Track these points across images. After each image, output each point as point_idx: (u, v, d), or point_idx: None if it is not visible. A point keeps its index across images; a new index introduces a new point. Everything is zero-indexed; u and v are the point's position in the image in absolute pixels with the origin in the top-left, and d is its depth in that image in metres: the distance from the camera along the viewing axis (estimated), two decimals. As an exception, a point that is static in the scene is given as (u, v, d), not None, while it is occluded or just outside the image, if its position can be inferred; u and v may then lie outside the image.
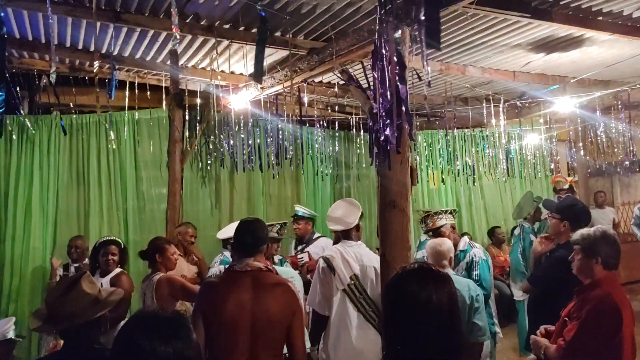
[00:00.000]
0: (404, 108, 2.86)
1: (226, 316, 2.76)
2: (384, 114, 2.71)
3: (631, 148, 7.26)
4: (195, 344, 1.61)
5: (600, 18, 3.87)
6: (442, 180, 6.82)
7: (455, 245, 5.16)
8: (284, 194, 7.39)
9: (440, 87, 5.62)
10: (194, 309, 2.86)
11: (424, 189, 8.24)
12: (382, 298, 1.89)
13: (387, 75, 2.59)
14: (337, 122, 6.37)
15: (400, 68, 2.83)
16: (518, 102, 5.73)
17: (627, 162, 6.04)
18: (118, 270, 4.03)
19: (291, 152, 5.91)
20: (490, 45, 4.45)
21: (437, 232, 5.09)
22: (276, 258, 4.66)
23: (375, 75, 2.58)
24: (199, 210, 6.73)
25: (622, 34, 3.96)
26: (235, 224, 4.15)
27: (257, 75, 3.86)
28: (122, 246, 4.26)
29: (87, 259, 4.57)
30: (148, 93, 5.58)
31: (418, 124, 6.39)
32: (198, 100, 5.47)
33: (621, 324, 2.98)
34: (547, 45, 4.46)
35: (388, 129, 2.75)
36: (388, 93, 2.68)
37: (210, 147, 6.20)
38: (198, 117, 5.75)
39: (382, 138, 2.91)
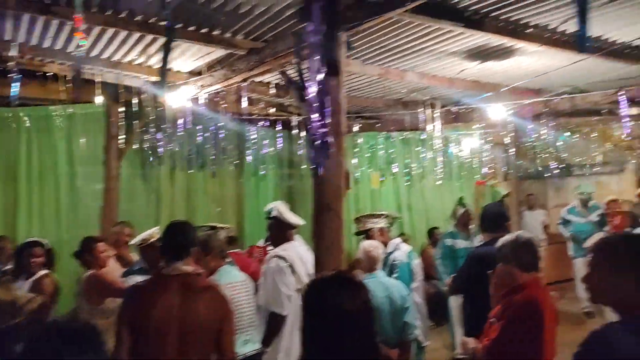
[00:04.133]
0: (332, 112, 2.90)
1: (153, 322, 2.69)
2: (317, 118, 2.71)
3: (560, 154, 7.64)
4: (106, 356, 1.56)
5: (529, 30, 4.03)
6: (381, 182, 6.93)
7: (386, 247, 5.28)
8: (226, 193, 7.31)
9: (380, 91, 5.70)
10: (118, 315, 2.77)
11: (366, 191, 8.36)
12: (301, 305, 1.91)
13: (318, 79, 2.58)
14: (279, 122, 6.36)
15: (331, 72, 2.84)
16: (454, 108, 5.90)
17: (555, 167, 6.32)
18: (42, 272, 3.86)
19: (230, 152, 5.86)
20: (428, 52, 4.55)
21: (366, 235, 5.21)
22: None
23: (308, 79, 2.56)
24: (137, 209, 6.57)
25: (549, 45, 4.14)
26: (152, 230, 4.08)
27: (161, 80, 3.83)
28: (48, 247, 4.09)
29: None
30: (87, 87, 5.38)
31: (360, 126, 6.46)
32: (135, 97, 5.32)
33: (542, 326, 3.12)
34: (480, 54, 4.60)
35: (320, 132, 2.75)
36: (320, 97, 2.67)
37: (149, 144, 6.06)
38: (136, 114, 5.60)
39: (316, 142, 2.93)
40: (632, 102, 5.31)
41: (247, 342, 3.65)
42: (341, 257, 3.38)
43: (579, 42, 2.17)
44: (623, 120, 5.34)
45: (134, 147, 5.98)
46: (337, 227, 3.33)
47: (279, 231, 4.34)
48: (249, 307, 3.78)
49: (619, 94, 5.23)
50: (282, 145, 6.03)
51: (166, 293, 2.75)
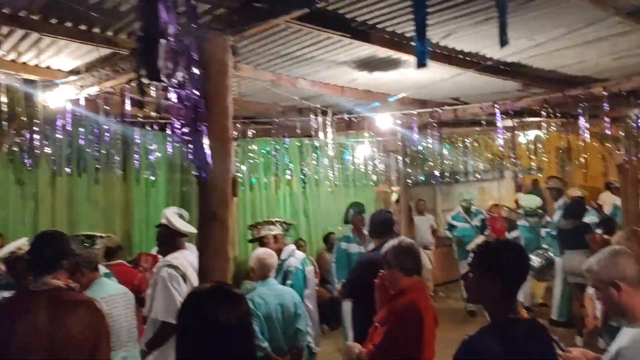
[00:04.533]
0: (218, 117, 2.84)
1: (14, 345, 2.48)
2: (192, 122, 2.62)
3: (446, 162, 8.08)
4: None
5: (412, 43, 4.19)
6: (277, 188, 6.93)
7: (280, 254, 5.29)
8: (112, 200, 6.95)
9: (274, 97, 5.69)
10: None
11: (262, 197, 8.33)
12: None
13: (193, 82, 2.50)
14: (169, 125, 6.13)
15: (211, 76, 2.77)
16: (346, 116, 6.03)
17: (442, 174, 6.67)
18: None
19: (116, 156, 5.56)
20: (319, 60, 4.60)
21: (261, 242, 5.20)
22: (102, 270, 4.33)
23: (182, 82, 2.47)
24: (11, 217, 6.06)
25: (431, 59, 4.32)
26: (20, 241, 3.78)
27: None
28: None
29: None
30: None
31: (254, 132, 6.41)
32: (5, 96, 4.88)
33: (423, 329, 3.25)
34: (370, 64, 4.74)
35: (197, 137, 2.67)
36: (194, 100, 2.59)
37: (25, 147, 5.58)
38: (7, 114, 5.14)
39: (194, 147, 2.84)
40: (506, 114, 5.72)
41: (125, 358, 3.48)
42: (227, 266, 3.29)
43: (418, 57, 2.29)
44: (498, 131, 5.75)
45: (5, 149, 5.48)
46: (223, 235, 3.25)
47: (169, 239, 4.19)
48: (128, 321, 3.60)
49: (495, 106, 5.63)
50: (172, 150, 5.80)
51: (32, 311, 2.55)
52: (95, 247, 4.94)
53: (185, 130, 2.53)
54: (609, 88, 5.16)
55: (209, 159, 2.78)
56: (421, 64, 2.21)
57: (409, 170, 7.30)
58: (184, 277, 4.03)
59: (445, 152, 7.48)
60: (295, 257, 5.25)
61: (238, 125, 5.55)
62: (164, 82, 2.12)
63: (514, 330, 2.32)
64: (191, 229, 4.10)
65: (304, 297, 5.03)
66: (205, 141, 2.68)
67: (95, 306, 2.72)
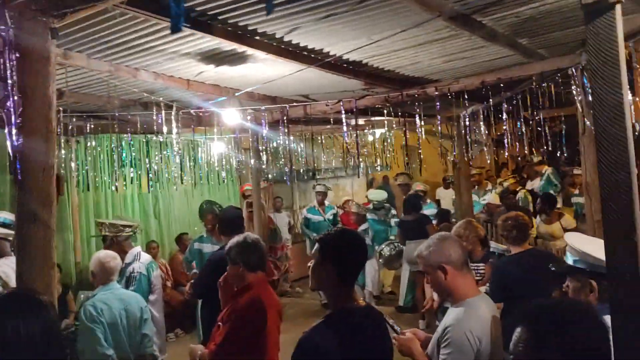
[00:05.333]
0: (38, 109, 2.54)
1: None
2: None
3: (301, 159, 8.21)
4: None
5: (257, 37, 4.16)
6: (117, 188, 6.50)
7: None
8: None
9: (115, 89, 5.31)
10: None
11: (107, 198, 7.80)
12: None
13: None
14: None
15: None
16: (192, 111, 5.83)
17: (290, 171, 6.75)
18: None
19: None
20: (160, 50, 4.37)
21: (105, 242, 4.92)
22: None
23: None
24: None
25: (276, 54, 4.34)
26: None
27: None
28: None
29: None
30: None
31: (92, 126, 5.93)
32: None
33: (265, 323, 3.23)
34: (215, 58, 4.60)
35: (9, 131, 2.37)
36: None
37: None
38: None
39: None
40: (352, 112, 5.95)
41: None
42: (52, 272, 2.98)
43: (172, 22, 2.26)
44: (344, 129, 5.96)
45: None
46: (45, 238, 2.93)
47: None
48: None
49: (340, 104, 5.82)
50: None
51: None
52: None
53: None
54: (440, 89, 5.59)
55: (22, 151, 2.47)
56: (175, 29, 2.14)
57: (262, 167, 7.27)
58: (6, 287, 3.68)
59: (298, 149, 7.58)
60: (140, 262, 4.98)
61: (74, 119, 5.08)
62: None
63: (349, 320, 2.39)
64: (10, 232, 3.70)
65: (149, 302, 4.79)
66: (18, 131, 2.38)
67: None
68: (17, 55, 2.84)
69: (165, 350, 5.29)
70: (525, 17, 4.08)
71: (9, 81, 2.43)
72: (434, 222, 7.92)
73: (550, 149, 5.93)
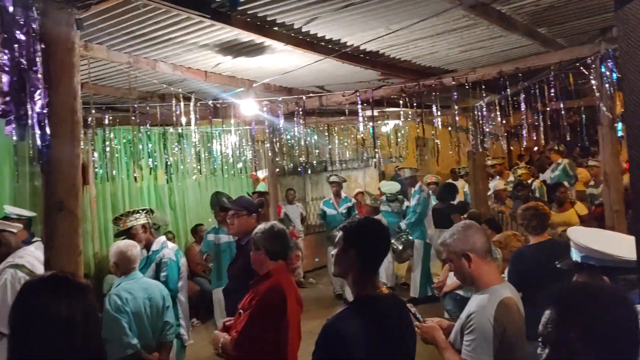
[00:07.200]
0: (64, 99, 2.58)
1: None
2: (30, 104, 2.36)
3: (314, 150, 8.22)
4: None
5: (275, 28, 4.17)
6: (136, 179, 6.56)
7: (150, 245, 5.07)
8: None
9: (134, 81, 5.34)
10: None
11: (124, 189, 7.88)
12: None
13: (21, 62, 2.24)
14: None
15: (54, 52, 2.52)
16: (210, 102, 5.86)
17: (310, 162, 6.78)
18: None
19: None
20: (179, 42, 4.40)
21: (128, 234, 4.96)
22: None
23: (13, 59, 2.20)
24: None
25: (294, 45, 4.35)
26: None
27: None
28: None
29: None
30: None
31: (112, 118, 5.98)
32: None
33: (286, 311, 3.25)
34: (233, 49, 4.63)
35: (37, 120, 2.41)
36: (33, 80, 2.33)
37: None
38: None
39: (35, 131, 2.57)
40: (367, 103, 5.95)
41: None
42: (79, 260, 3.03)
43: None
44: (359, 120, 5.96)
45: None
46: (72, 226, 2.98)
47: None
48: None
49: (356, 94, 5.82)
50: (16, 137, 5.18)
51: None
52: None
53: (6, 103, 2.26)
54: (457, 79, 5.58)
55: (48, 142, 2.51)
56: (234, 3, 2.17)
57: (277, 158, 7.30)
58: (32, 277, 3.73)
59: (312, 140, 7.60)
60: (168, 248, 5.05)
61: (94, 111, 5.12)
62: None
63: (373, 307, 2.41)
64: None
65: (178, 288, 4.91)
66: (44, 121, 2.42)
67: None
68: (43, 46, 2.87)
69: (190, 334, 5.37)
70: (545, 5, 4.06)
71: (39, 73, 2.45)
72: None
73: (568, 139, 5.88)
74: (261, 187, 8.12)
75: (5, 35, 2.06)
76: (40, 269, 3.57)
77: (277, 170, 7.81)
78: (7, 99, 2.26)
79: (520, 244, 4.62)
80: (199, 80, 5.35)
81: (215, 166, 7.97)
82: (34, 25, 2.33)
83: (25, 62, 2.26)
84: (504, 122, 6.63)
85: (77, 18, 2.87)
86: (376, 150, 6.99)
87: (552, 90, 5.20)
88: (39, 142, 2.51)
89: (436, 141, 6.14)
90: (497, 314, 2.47)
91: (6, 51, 2.15)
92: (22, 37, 2.18)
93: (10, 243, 3.85)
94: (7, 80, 2.21)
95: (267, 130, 6.66)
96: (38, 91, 2.43)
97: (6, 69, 2.15)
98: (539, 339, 1.50)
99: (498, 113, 6.37)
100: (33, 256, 3.91)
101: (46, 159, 2.76)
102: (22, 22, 2.15)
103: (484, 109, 6.56)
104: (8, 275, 3.69)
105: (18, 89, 2.26)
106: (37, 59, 2.57)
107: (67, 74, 3.00)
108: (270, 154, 7.07)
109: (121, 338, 3.76)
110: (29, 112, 2.40)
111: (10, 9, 2.08)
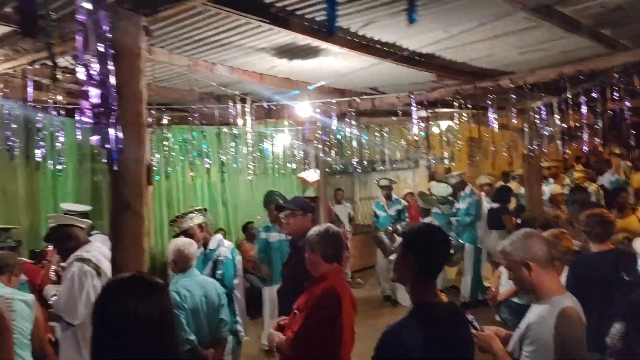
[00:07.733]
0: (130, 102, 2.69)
1: None
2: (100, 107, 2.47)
3: (364, 151, 8.21)
4: None
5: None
6: (194, 177, 6.75)
7: (207, 243, 5.19)
8: (15, 191, 6.48)
9: (192, 83, 5.51)
10: None
11: (179, 187, 8.09)
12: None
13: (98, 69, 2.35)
14: (78, 111, 5.75)
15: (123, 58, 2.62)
16: (265, 104, 5.95)
17: (359, 163, 6.79)
18: None
19: (19, 143, 5.15)
20: (237, 45, 4.50)
21: (186, 234, 5.06)
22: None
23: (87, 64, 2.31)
24: None
25: (349, 48, 4.37)
26: None
27: None
28: None
29: None
30: None
31: (170, 119, 6.17)
32: None
33: (341, 313, 3.28)
34: (289, 52, 4.69)
35: (108, 124, 2.52)
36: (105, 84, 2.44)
37: None
38: None
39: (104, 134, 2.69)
40: (421, 104, 5.90)
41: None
42: (142, 258, 3.15)
43: (328, 27, 2.31)
44: (413, 121, 5.92)
45: None
46: (137, 226, 3.10)
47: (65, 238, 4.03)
48: (18, 325, 3.40)
49: (411, 97, 5.78)
50: (81, 137, 5.43)
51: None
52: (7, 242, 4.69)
53: (95, 113, 2.37)
54: (515, 81, 5.46)
55: (121, 145, 2.62)
56: (331, 32, 2.21)
57: (328, 159, 7.34)
58: (98, 271, 3.88)
59: (363, 141, 7.60)
60: (224, 247, 5.16)
61: (153, 112, 5.31)
62: (47, 40, 1.96)
63: (434, 315, 2.40)
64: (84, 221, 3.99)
65: (234, 286, 5.02)
66: (117, 126, 2.53)
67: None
68: (113, 50, 3.00)
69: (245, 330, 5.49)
70: (612, 7, 3.92)
71: (112, 80, 2.57)
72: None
73: (632, 142, 5.65)
74: (310, 191, 8.16)
75: (90, 51, 2.16)
76: (105, 264, 3.71)
77: (327, 170, 7.84)
78: (97, 110, 2.38)
79: (570, 243, 4.43)
80: (254, 83, 5.45)
81: (267, 166, 8.09)
82: (108, 35, 2.43)
83: (105, 72, 2.37)
84: (562, 125, 6.43)
85: (145, 26, 2.97)
86: (428, 151, 6.91)
87: (616, 94, 5.01)
88: (113, 146, 2.61)
89: (492, 145, 6.01)
90: (557, 325, 2.42)
91: (93, 65, 2.26)
92: (102, 49, 2.27)
93: (79, 238, 4.02)
94: (98, 92, 2.32)
95: (319, 132, 6.70)
96: (113, 97, 2.54)
97: (93, 82, 2.26)
98: (607, 351, 1.48)
99: (556, 115, 6.19)
100: (99, 251, 4.07)
101: (115, 160, 2.86)
102: (99, 33, 2.25)
103: (543, 112, 6.38)
104: (75, 268, 3.84)
105: (104, 99, 2.38)
106: (110, 67, 2.68)
107: (134, 78, 3.12)
108: (322, 154, 7.10)
109: (180, 334, 3.87)
110: (109, 119, 2.51)
111: (91, 23, 2.19)
